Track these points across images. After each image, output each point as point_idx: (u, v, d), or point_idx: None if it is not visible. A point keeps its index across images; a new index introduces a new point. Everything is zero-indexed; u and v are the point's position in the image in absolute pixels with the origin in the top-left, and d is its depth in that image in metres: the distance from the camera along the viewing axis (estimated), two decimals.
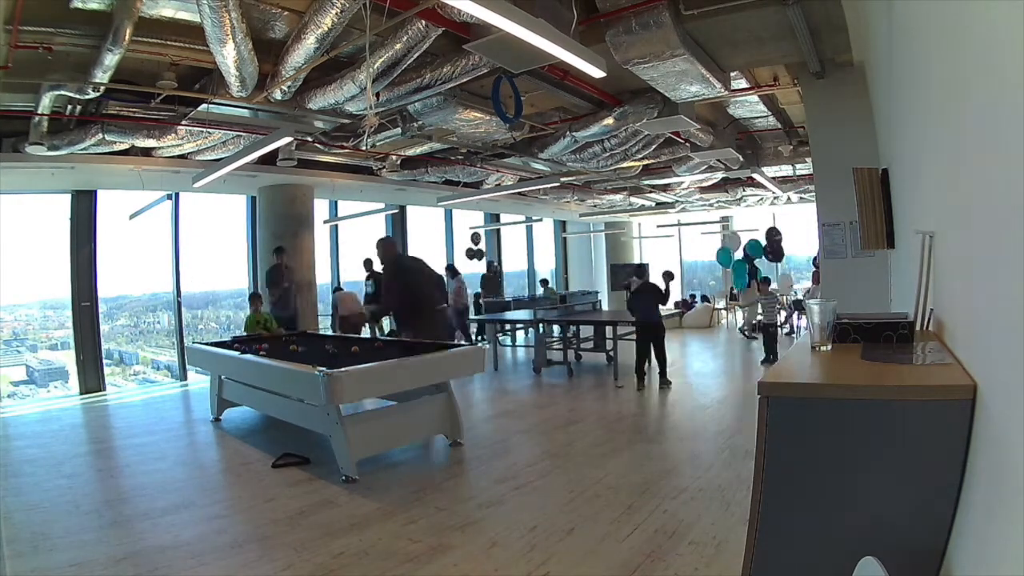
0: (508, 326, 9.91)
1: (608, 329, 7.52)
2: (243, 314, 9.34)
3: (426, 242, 11.63)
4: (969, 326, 1.38)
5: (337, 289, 9.17)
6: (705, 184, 10.70)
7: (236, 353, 4.92)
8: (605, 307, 13.18)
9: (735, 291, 11.70)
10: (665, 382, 6.28)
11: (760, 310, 8.13)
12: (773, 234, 11.50)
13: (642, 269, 7.59)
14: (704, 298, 13.48)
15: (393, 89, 4.39)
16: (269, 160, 6.47)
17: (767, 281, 8.88)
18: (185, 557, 2.70)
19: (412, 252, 11.07)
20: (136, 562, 2.65)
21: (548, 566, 2.51)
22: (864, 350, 1.77)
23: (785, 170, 9.19)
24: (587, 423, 5.02)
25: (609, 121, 5.71)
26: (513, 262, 14.22)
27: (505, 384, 7.00)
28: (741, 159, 7.82)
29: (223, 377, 5.24)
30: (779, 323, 8.50)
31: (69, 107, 4.72)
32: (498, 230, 13.17)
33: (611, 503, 3.19)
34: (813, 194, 6.04)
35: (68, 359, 7.63)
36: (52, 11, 3.48)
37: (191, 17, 3.66)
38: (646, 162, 8.19)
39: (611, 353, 7.37)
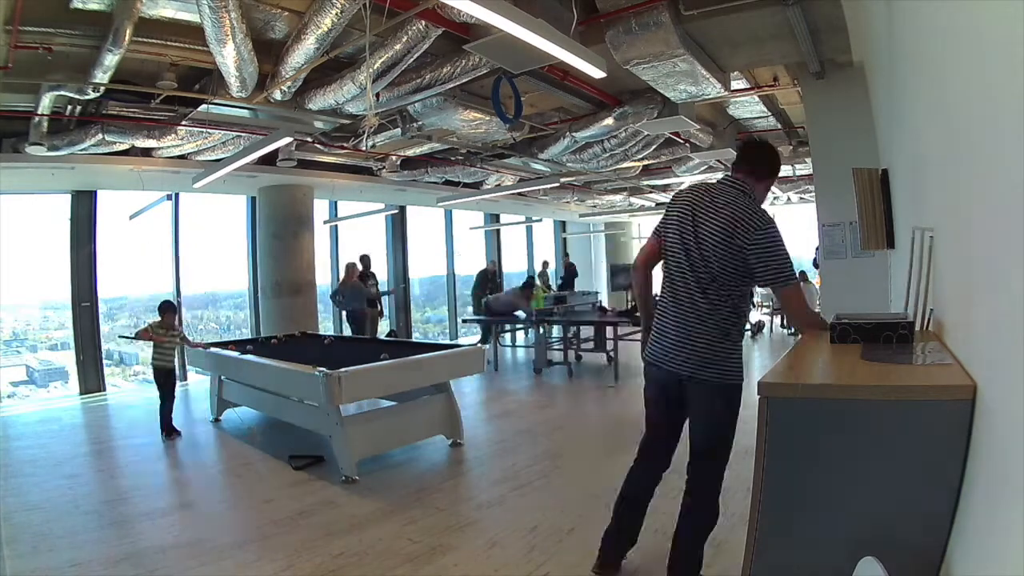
0: (508, 326, 9.90)
1: (608, 329, 7.52)
2: (243, 315, 9.36)
3: (426, 243, 11.63)
4: (969, 326, 1.38)
5: None
6: None
7: (236, 353, 4.92)
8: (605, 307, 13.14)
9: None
10: None
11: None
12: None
13: None
14: None
15: (393, 89, 4.39)
16: (269, 160, 6.47)
17: None
18: (185, 557, 2.69)
19: (412, 252, 11.12)
20: (136, 562, 2.65)
21: (548, 566, 2.51)
22: (864, 350, 1.77)
23: (785, 170, 9.20)
24: (587, 423, 5.02)
25: (609, 121, 5.71)
26: (513, 262, 14.22)
27: (505, 384, 6.99)
28: None
29: (223, 377, 5.24)
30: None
31: (69, 107, 4.72)
32: (498, 230, 13.17)
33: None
34: (813, 194, 6.04)
35: (68, 359, 7.62)
36: (52, 11, 3.48)
37: (191, 17, 3.66)
38: (646, 162, 8.20)
39: (611, 353, 7.37)
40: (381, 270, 10.96)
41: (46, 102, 4.47)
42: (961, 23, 1.23)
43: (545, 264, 12.89)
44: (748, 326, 11.07)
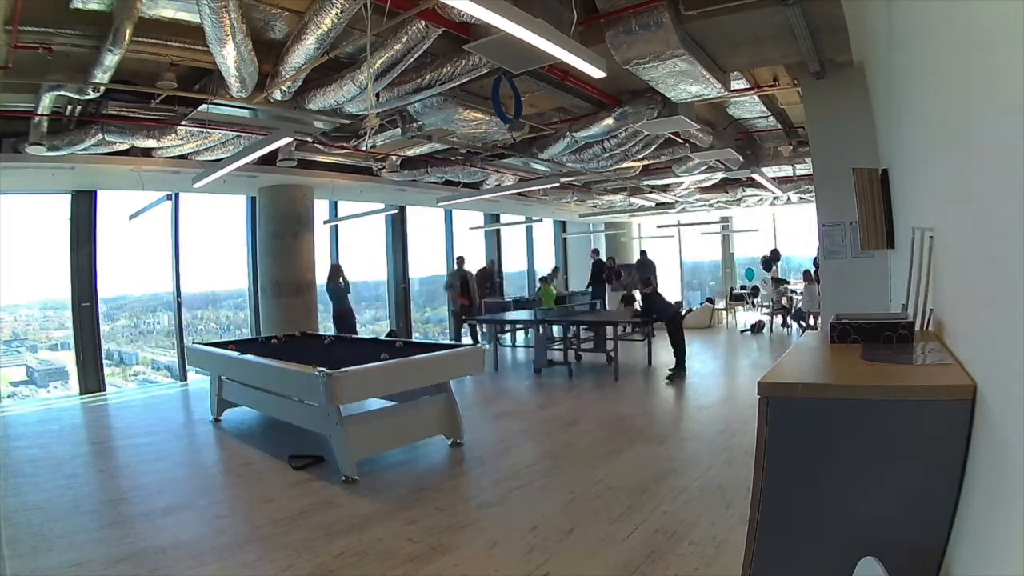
0: (508, 326, 9.91)
1: (608, 329, 7.52)
2: (243, 315, 9.37)
3: (426, 243, 11.63)
4: (969, 326, 1.38)
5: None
6: (705, 184, 10.70)
7: (236, 354, 4.92)
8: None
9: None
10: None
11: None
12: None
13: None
14: (710, 299, 13.44)
15: (393, 89, 4.39)
16: (269, 160, 6.47)
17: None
18: (185, 557, 2.69)
19: (412, 252, 11.12)
20: (136, 562, 2.65)
21: (548, 566, 2.51)
22: (864, 350, 1.77)
23: (785, 170, 9.20)
24: (587, 423, 5.02)
25: (609, 121, 5.71)
26: (513, 262, 14.22)
27: (505, 384, 6.99)
28: (741, 159, 7.82)
29: (223, 377, 5.24)
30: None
31: (69, 107, 4.72)
32: (498, 230, 13.17)
33: (611, 503, 3.19)
34: (813, 194, 6.04)
35: (68, 359, 7.62)
36: (52, 11, 3.48)
37: (191, 17, 3.66)
38: (646, 162, 8.19)
39: (611, 353, 7.37)
40: (381, 270, 10.97)
41: (46, 102, 4.47)
42: (961, 23, 1.23)
43: (555, 270, 12.98)
44: (748, 325, 11.19)
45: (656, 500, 3.20)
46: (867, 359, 1.65)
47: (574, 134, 6.08)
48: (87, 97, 4.41)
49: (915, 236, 2.20)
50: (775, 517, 1.45)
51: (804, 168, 8.73)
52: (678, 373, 6.82)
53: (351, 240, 10.34)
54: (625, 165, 7.80)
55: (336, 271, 8.43)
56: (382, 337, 7.14)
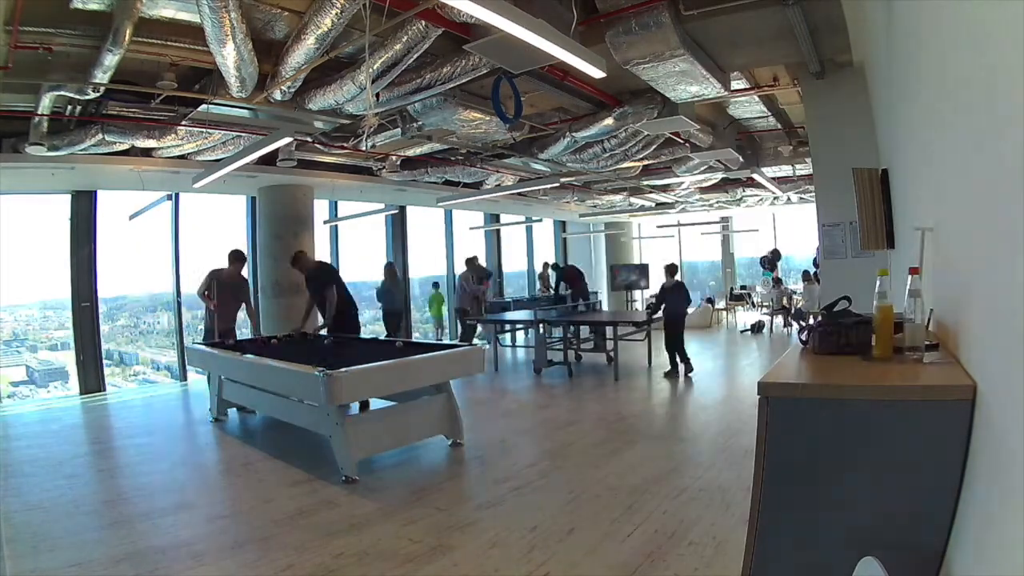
0: (508, 326, 9.90)
1: (608, 329, 7.52)
2: (242, 315, 9.35)
3: (426, 243, 11.64)
4: (969, 326, 1.38)
5: None
6: (705, 184, 10.70)
7: (236, 354, 4.92)
8: (605, 307, 13.20)
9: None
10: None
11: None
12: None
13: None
14: (709, 299, 13.42)
15: (393, 89, 4.39)
16: (269, 160, 6.47)
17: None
18: (185, 557, 2.69)
19: (412, 252, 11.10)
20: (136, 562, 2.65)
21: (548, 566, 2.51)
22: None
23: (785, 170, 9.20)
24: (587, 423, 5.02)
25: (609, 122, 5.71)
26: (513, 262, 14.22)
27: (505, 384, 6.99)
28: (741, 159, 7.82)
29: (223, 377, 5.24)
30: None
31: (69, 107, 4.72)
32: (498, 230, 13.17)
33: (611, 503, 3.19)
34: (813, 194, 6.04)
35: (68, 359, 7.63)
36: (52, 11, 3.48)
37: (191, 17, 3.66)
38: (646, 163, 8.19)
39: (611, 353, 7.37)
40: (381, 270, 10.94)
41: (46, 102, 4.47)
42: (961, 22, 1.23)
43: (546, 266, 12.89)
44: (748, 325, 11.19)
45: (656, 500, 3.20)
46: (867, 359, 1.65)
47: (574, 134, 6.08)
48: (87, 97, 4.41)
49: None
50: (775, 517, 1.45)
51: (804, 168, 8.73)
52: (674, 372, 7.04)
53: (351, 240, 10.35)
54: (625, 165, 7.80)
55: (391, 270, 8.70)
56: (382, 337, 7.14)
